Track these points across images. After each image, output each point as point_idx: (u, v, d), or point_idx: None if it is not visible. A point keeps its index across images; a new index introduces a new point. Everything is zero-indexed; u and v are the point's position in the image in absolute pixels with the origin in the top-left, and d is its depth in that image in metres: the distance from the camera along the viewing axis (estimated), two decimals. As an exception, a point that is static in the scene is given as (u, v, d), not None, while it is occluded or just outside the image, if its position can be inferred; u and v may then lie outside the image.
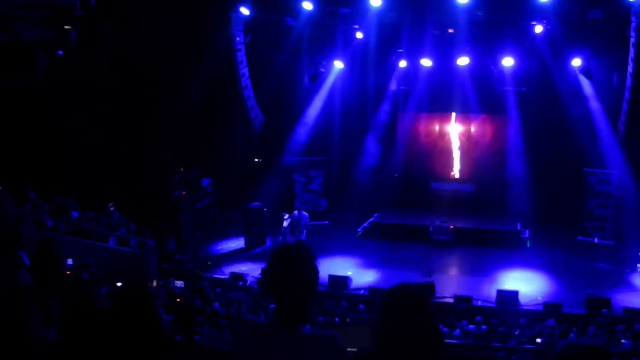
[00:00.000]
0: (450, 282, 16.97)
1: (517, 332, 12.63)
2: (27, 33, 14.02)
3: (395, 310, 2.74)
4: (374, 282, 17.14)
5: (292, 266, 3.03)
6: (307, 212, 21.63)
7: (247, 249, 20.73)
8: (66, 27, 14.37)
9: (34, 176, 18.20)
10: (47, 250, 5.38)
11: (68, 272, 11.58)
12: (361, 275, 17.49)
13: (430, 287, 15.96)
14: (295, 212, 19.03)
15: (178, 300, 13.97)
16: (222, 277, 17.92)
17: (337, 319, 14.04)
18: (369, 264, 18.75)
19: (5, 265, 5.73)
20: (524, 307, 15.16)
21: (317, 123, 23.76)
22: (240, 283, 16.61)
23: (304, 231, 18.90)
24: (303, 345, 2.98)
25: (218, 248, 21.11)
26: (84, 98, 19.36)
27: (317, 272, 3.10)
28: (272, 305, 14.39)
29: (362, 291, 16.41)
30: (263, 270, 3.19)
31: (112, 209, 19.02)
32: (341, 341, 2.99)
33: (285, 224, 18.90)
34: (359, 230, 22.34)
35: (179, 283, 16.14)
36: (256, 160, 25.01)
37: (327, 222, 23.29)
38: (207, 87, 20.73)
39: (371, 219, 22.76)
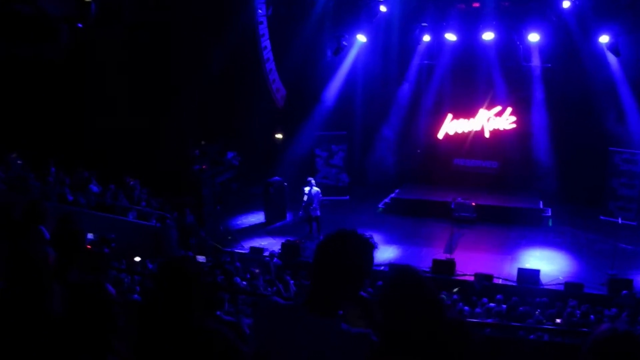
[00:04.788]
0: (471, 260, 16.81)
1: (537, 312, 12.57)
2: (49, 6, 14.03)
3: (393, 291, 2.83)
4: (394, 258, 17.06)
5: (350, 250, 2.88)
6: (328, 187, 21.54)
7: (267, 223, 20.78)
8: (86, 0, 14.39)
9: (54, 150, 18.28)
10: (68, 224, 5.40)
11: (89, 247, 11.63)
12: (381, 251, 16.97)
13: (451, 264, 15.97)
14: (307, 188, 18.94)
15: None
16: (243, 251, 17.88)
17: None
18: (389, 240, 18.66)
19: (27, 239, 5.78)
20: (545, 287, 15.05)
21: (339, 97, 23.60)
22: (267, 259, 16.58)
23: (318, 208, 18.88)
24: (336, 341, 2.82)
25: (238, 222, 21.12)
26: (105, 72, 19.38)
27: (372, 263, 2.95)
28: (292, 282, 14.51)
29: (382, 267, 16.12)
30: (317, 246, 2.98)
31: (132, 183, 19.09)
32: (375, 337, 2.85)
33: (305, 198, 18.85)
34: (379, 205, 22.28)
35: (201, 258, 16.04)
36: (277, 135, 24.98)
37: (347, 197, 23.25)
38: (229, 61, 20.63)
39: (392, 195, 22.72)
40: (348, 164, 23.73)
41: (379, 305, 2.86)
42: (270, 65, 21.80)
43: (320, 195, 19.01)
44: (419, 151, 24.38)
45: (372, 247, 2.95)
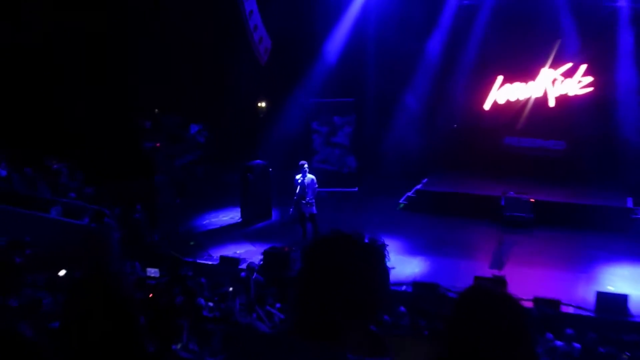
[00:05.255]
0: (529, 279, 16.57)
1: (626, 355, 12.26)
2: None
3: (470, 321, 2.78)
4: (420, 274, 16.86)
5: (347, 261, 2.67)
6: (330, 174, 21.26)
7: (244, 223, 20.84)
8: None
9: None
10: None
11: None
12: (403, 264, 17.00)
13: (500, 284, 15.50)
14: (299, 176, 18.56)
15: (151, 295, 13.84)
16: (210, 262, 17.85)
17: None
18: (413, 248, 18.51)
19: None
20: (636, 319, 14.66)
21: (345, 52, 23.62)
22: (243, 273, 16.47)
23: (314, 202, 18.52)
24: None
25: (205, 222, 21.24)
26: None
27: (382, 281, 2.74)
28: (278, 305, 14.20)
29: (403, 287, 16.03)
30: (302, 254, 2.78)
31: (56, 166, 18.98)
32: None
33: (298, 189, 18.50)
34: (400, 201, 22.26)
35: (153, 271, 16.14)
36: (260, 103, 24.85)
37: (356, 188, 23.37)
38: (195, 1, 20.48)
39: (418, 186, 22.81)
40: (357, 142, 23.83)
41: (448, 334, 2.82)
42: (251, 5, 21.36)
43: (317, 186, 18.77)
44: (455, 126, 24.43)
45: (381, 257, 2.76)
